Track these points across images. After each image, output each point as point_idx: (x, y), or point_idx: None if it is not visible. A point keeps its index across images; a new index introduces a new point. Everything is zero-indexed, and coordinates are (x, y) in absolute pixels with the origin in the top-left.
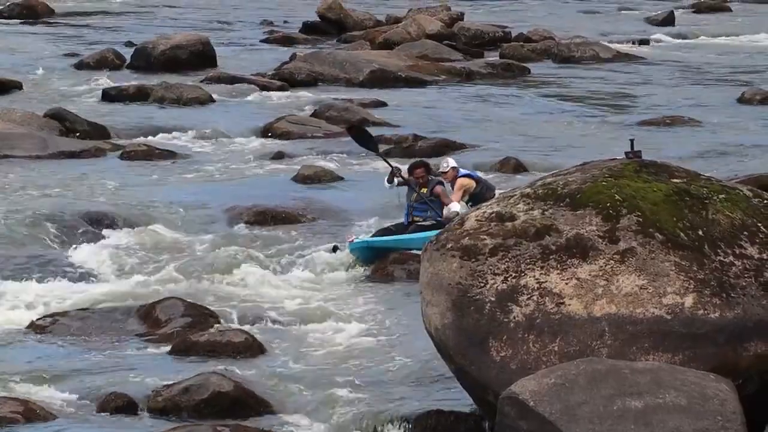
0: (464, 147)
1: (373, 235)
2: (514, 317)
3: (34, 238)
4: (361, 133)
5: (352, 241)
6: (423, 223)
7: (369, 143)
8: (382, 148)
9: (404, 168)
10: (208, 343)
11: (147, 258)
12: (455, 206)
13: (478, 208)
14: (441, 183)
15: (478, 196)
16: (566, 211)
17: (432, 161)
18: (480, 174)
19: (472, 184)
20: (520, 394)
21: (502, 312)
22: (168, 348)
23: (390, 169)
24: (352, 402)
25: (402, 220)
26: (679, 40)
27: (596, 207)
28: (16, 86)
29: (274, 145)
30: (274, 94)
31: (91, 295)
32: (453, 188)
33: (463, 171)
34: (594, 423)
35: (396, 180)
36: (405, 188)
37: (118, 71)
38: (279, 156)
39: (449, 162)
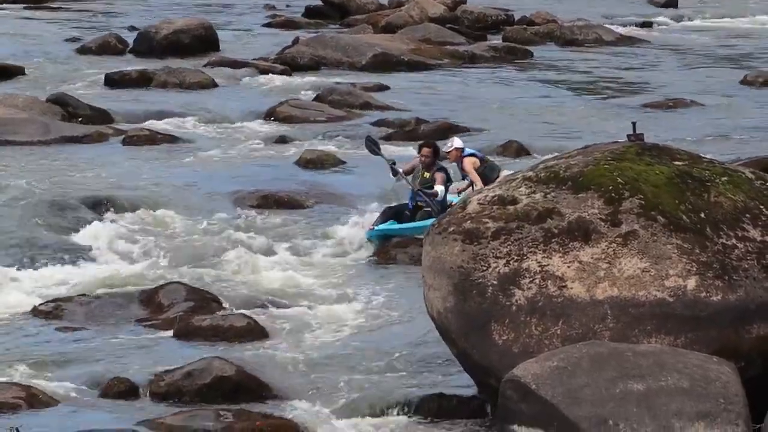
0: (467, 130)
1: (380, 217)
2: (517, 300)
3: (36, 223)
4: (369, 144)
5: (372, 229)
6: (429, 209)
7: (375, 148)
8: (385, 131)
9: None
10: (211, 327)
11: (149, 243)
12: (438, 188)
13: (480, 192)
14: (443, 170)
15: (482, 175)
16: (568, 195)
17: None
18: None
19: (477, 162)
20: (523, 378)
21: (504, 295)
22: (170, 333)
23: (389, 165)
24: (354, 386)
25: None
26: (682, 23)
27: (598, 190)
28: (19, 72)
29: (276, 129)
30: (277, 78)
31: (93, 281)
32: (459, 167)
33: (467, 150)
34: (596, 406)
35: (398, 172)
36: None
37: (120, 56)
38: (282, 140)
39: (454, 142)
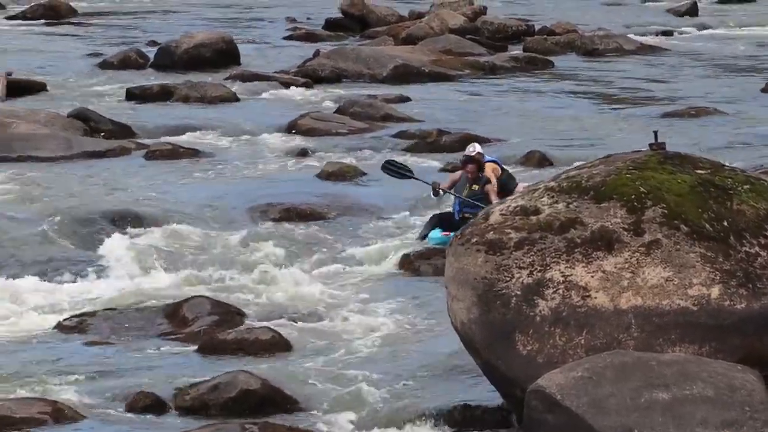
0: (489, 141)
1: (428, 223)
2: (540, 311)
3: (60, 238)
4: (390, 168)
5: (447, 235)
6: None
7: (401, 171)
8: (406, 143)
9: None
10: (235, 341)
11: (173, 257)
12: (495, 200)
13: (502, 202)
14: (490, 181)
15: (502, 185)
16: (591, 204)
17: (455, 155)
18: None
19: (499, 170)
20: (547, 388)
21: (528, 306)
22: (195, 346)
23: (430, 185)
24: (379, 398)
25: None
26: (703, 31)
27: (621, 199)
28: (41, 87)
29: (298, 142)
30: (298, 91)
31: (117, 295)
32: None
33: (488, 157)
34: (621, 415)
35: (440, 191)
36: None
37: (141, 70)
38: (303, 153)
39: (475, 147)
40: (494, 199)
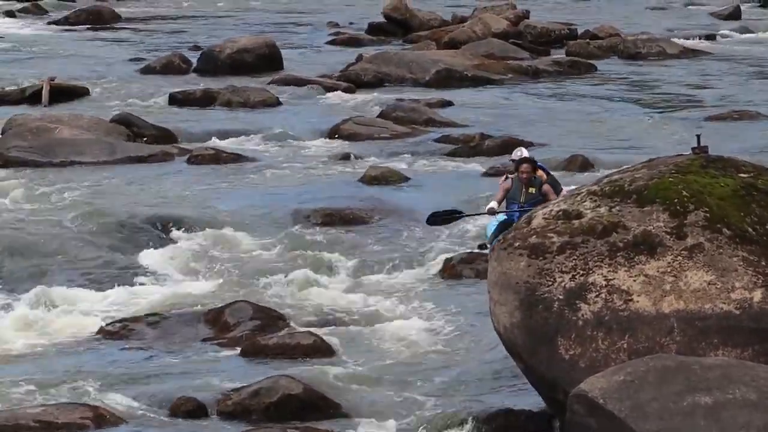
0: (531, 145)
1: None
2: (583, 315)
3: (103, 243)
4: (437, 218)
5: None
6: None
7: (451, 216)
8: (449, 147)
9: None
10: (277, 345)
11: (215, 261)
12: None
13: (545, 206)
14: (545, 180)
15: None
16: (633, 208)
17: (498, 159)
18: None
19: (545, 175)
20: (590, 392)
21: (570, 310)
22: (237, 351)
23: (486, 213)
24: (421, 403)
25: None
26: (746, 35)
27: (663, 203)
28: (84, 92)
29: (341, 146)
30: (341, 96)
31: (160, 300)
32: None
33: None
34: (664, 419)
35: (497, 209)
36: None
37: (184, 75)
38: (346, 157)
39: (522, 152)
40: (553, 198)
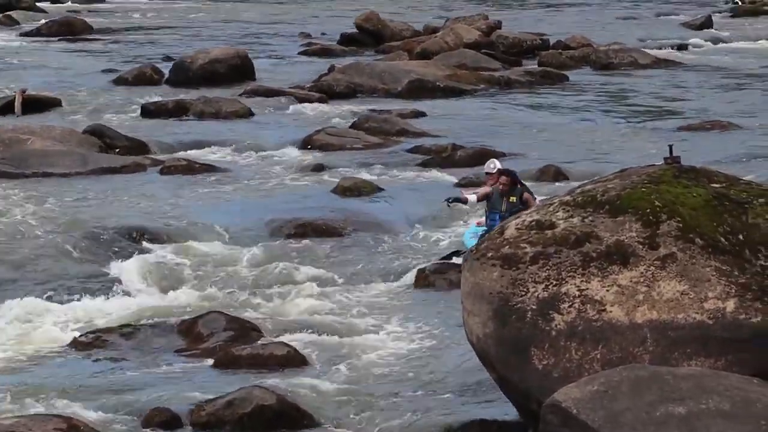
0: (504, 155)
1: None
2: (556, 325)
3: (76, 255)
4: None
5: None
6: None
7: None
8: (421, 158)
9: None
10: (251, 356)
11: (188, 272)
12: None
13: (517, 217)
14: (527, 190)
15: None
16: (606, 218)
17: (473, 170)
18: None
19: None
20: (563, 402)
21: (543, 320)
22: (210, 362)
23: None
24: (394, 413)
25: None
26: (718, 45)
27: (636, 213)
28: (56, 103)
29: (313, 157)
30: (313, 106)
31: (132, 311)
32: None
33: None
34: (637, 429)
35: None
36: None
37: (156, 86)
38: (318, 168)
39: (495, 164)
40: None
